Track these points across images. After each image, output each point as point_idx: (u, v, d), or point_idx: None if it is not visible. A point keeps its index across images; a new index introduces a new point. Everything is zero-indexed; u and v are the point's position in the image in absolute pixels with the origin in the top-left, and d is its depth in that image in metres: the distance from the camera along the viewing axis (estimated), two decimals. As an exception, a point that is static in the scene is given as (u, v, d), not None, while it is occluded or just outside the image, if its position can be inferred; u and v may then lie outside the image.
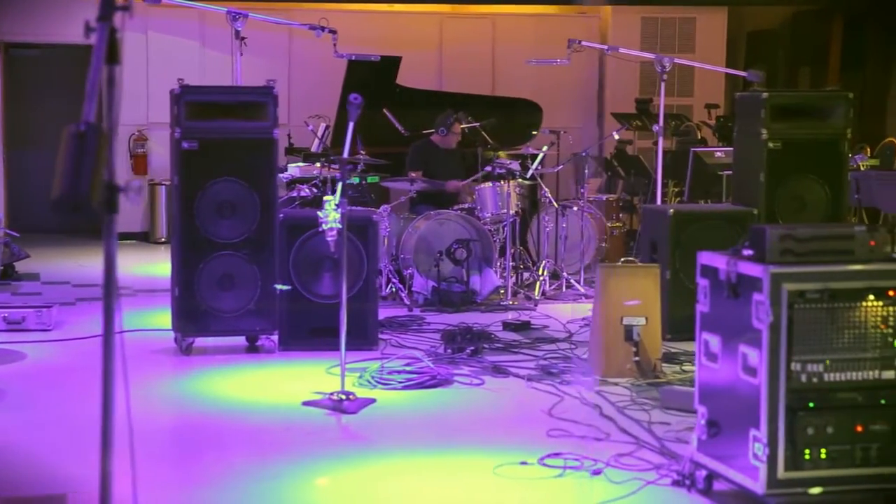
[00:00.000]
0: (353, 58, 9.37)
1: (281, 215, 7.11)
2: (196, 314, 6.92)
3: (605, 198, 10.90)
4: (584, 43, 9.09)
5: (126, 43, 12.93)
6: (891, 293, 4.09)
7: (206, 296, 6.91)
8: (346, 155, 5.84)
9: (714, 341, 4.34)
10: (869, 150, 11.92)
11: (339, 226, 5.87)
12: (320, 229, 5.97)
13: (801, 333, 4.04)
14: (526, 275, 9.55)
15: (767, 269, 4.03)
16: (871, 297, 4.08)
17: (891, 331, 4.09)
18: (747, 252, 4.19)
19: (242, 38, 9.92)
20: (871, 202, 9.28)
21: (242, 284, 6.95)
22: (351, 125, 5.78)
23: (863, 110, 14.30)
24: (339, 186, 5.84)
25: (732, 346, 4.22)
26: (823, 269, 4.07)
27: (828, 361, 4.07)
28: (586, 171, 9.67)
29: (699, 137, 12.25)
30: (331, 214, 5.89)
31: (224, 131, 6.93)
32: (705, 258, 4.39)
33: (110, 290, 2.95)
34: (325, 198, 5.94)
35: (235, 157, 6.94)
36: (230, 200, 6.93)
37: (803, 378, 4.06)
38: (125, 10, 2.89)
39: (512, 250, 9.20)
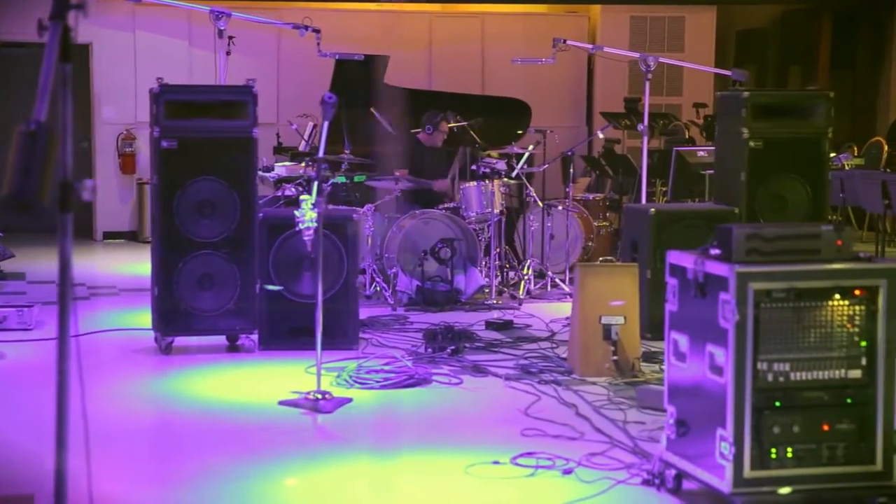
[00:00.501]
0: (338, 57, 9.37)
1: (261, 214, 7.11)
2: (175, 314, 6.92)
3: (591, 197, 10.89)
4: (568, 42, 9.08)
5: (114, 42, 13.00)
6: (857, 292, 4.09)
7: (185, 295, 6.90)
8: (321, 154, 5.83)
9: (683, 341, 4.34)
10: (856, 149, 11.93)
11: (316, 225, 5.86)
12: (297, 229, 5.97)
13: (768, 333, 4.04)
14: (511, 274, 9.55)
15: (733, 268, 4.03)
16: (837, 296, 4.08)
17: (857, 330, 4.09)
18: (714, 251, 4.19)
19: (231, 38, 9.94)
20: (856, 201, 9.27)
21: (222, 284, 6.95)
22: (325, 124, 5.77)
23: (853, 109, 14.32)
24: (315, 185, 5.83)
25: (700, 345, 4.22)
26: (790, 268, 4.07)
27: (794, 361, 4.07)
28: (571, 170, 9.65)
29: (687, 137, 12.26)
30: (307, 214, 5.88)
31: (204, 130, 6.92)
32: (674, 257, 4.39)
33: (65, 291, 2.94)
34: (302, 197, 5.93)
35: (215, 156, 6.93)
36: (210, 199, 6.93)
37: (769, 377, 4.06)
38: (79, 9, 2.88)
39: (497, 250, 9.20)
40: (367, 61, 11.60)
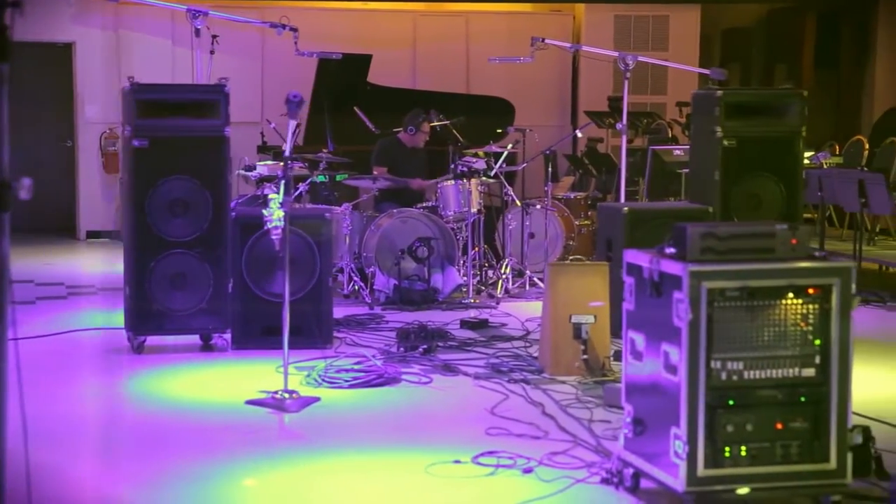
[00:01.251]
0: (315, 55, 9.36)
1: (233, 213, 7.10)
2: (147, 313, 6.91)
3: (573, 195, 10.89)
4: (546, 41, 9.07)
5: (97, 41, 12.99)
6: (810, 291, 4.09)
7: (157, 294, 6.90)
8: (287, 153, 5.83)
9: (639, 339, 4.34)
10: (838, 147, 11.93)
11: (283, 224, 5.84)
12: (265, 228, 5.96)
13: (721, 331, 4.05)
14: (491, 273, 9.55)
15: (687, 267, 4.03)
16: (791, 294, 4.08)
17: (810, 328, 4.09)
18: (669, 250, 4.19)
19: (214, 37, 9.96)
20: (834, 200, 9.27)
21: (194, 283, 6.94)
22: (291, 123, 5.77)
23: (837, 107, 14.34)
24: (282, 184, 5.82)
25: (656, 344, 4.22)
26: (743, 267, 4.07)
27: (748, 359, 4.07)
28: (550, 169, 9.65)
29: (670, 136, 12.24)
30: (275, 213, 5.88)
31: (175, 129, 6.92)
32: (630, 256, 4.39)
33: (2, 290, 2.94)
34: (270, 196, 5.92)
35: (187, 154, 6.92)
36: (182, 198, 6.92)
37: (723, 376, 4.06)
38: (15, 7, 2.87)
39: (475, 249, 9.20)
40: (350, 60, 11.61)
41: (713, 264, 4.07)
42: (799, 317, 4.09)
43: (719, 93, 7.37)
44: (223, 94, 6.95)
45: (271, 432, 5.43)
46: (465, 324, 7.88)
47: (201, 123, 6.94)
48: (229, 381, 6.38)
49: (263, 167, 10.49)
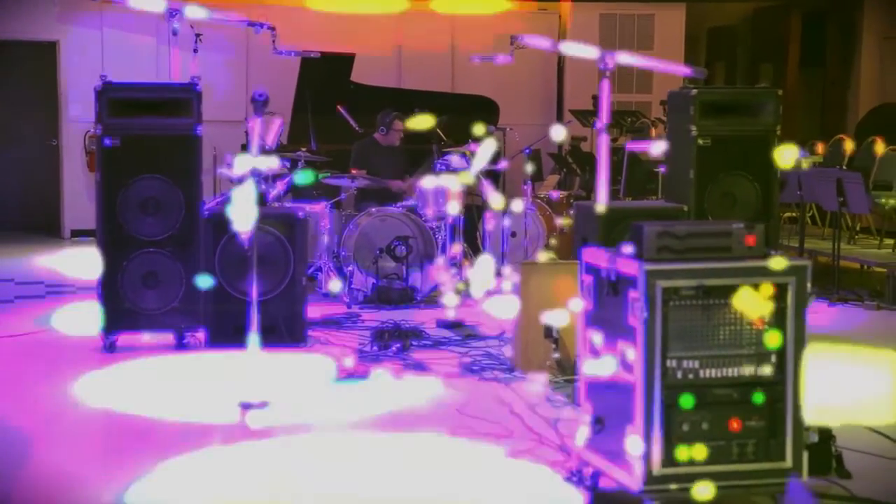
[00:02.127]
0: (294, 55, 9.35)
1: (206, 213, 7.10)
2: (120, 312, 6.91)
3: (555, 195, 10.88)
4: (525, 40, 9.04)
5: (81, 40, 12.99)
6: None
7: (129, 293, 6.89)
8: (254, 152, 5.81)
9: (598, 338, 4.33)
10: (821, 146, 11.93)
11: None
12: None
13: (677, 330, 4.04)
14: (470, 272, 9.54)
15: (642, 266, 4.03)
16: (746, 293, 4.07)
17: (766, 327, 4.08)
18: (627, 249, 4.19)
19: (198, 35, 9.94)
20: (813, 199, 9.27)
21: (167, 282, 6.94)
22: (258, 122, 5.74)
23: (823, 106, 14.33)
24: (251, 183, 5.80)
25: (613, 342, 4.21)
26: (698, 265, 4.06)
27: (704, 358, 4.07)
28: (528, 168, 9.64)
29: (654, 134, 12.24)
30: (244, 211, 5.85)
31: (147, 128, 6.91)
32: (589, 255, 4.39)
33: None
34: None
35: (159, 153, 6.92)
36: (154, 197, 6.92)
37: (679, 374, 4.06)
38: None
39: (454, 248, 9.19)
40: (333, 60, 11.61)
41: (669, 263, 4.06)
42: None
43: (694, 91, 7.36)
44: (195, 93, 6.95)
45: (234, 431, 5.41)
46: (441, 323, 7.87)
47: (173, 122, 6.94)
48: (200, 380, 6.36)
49: (245, 166, 10.48)
